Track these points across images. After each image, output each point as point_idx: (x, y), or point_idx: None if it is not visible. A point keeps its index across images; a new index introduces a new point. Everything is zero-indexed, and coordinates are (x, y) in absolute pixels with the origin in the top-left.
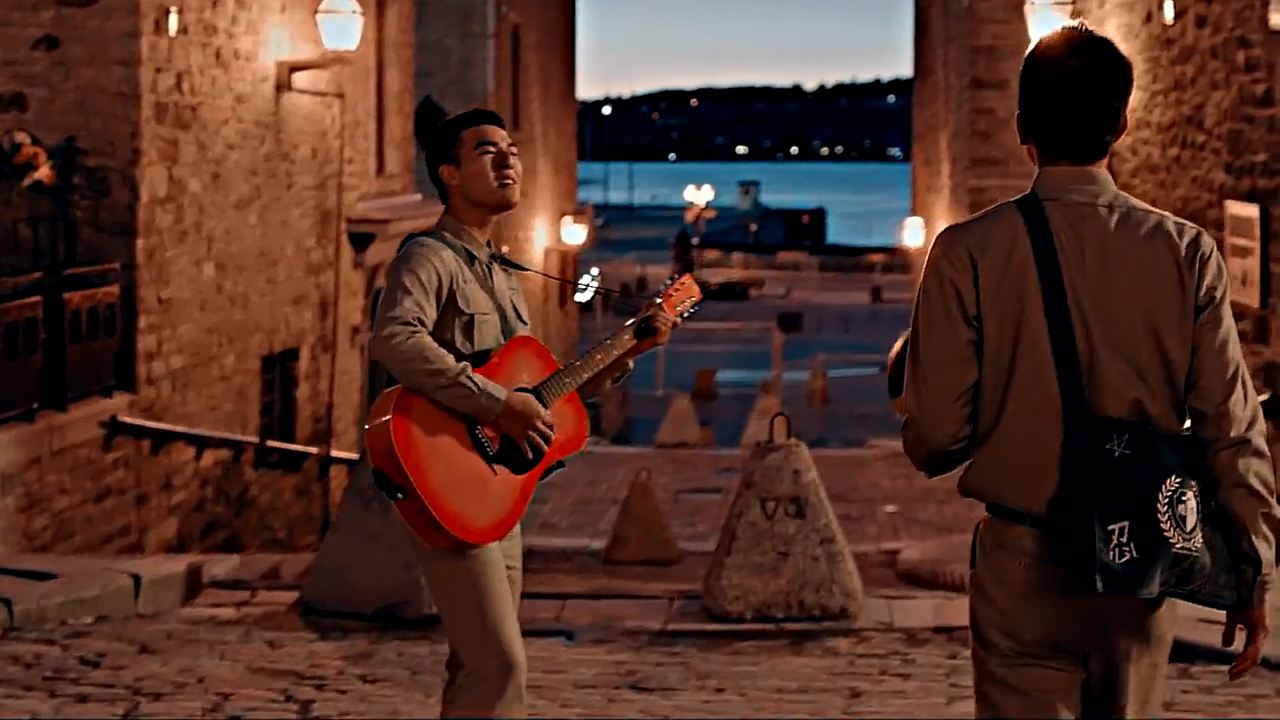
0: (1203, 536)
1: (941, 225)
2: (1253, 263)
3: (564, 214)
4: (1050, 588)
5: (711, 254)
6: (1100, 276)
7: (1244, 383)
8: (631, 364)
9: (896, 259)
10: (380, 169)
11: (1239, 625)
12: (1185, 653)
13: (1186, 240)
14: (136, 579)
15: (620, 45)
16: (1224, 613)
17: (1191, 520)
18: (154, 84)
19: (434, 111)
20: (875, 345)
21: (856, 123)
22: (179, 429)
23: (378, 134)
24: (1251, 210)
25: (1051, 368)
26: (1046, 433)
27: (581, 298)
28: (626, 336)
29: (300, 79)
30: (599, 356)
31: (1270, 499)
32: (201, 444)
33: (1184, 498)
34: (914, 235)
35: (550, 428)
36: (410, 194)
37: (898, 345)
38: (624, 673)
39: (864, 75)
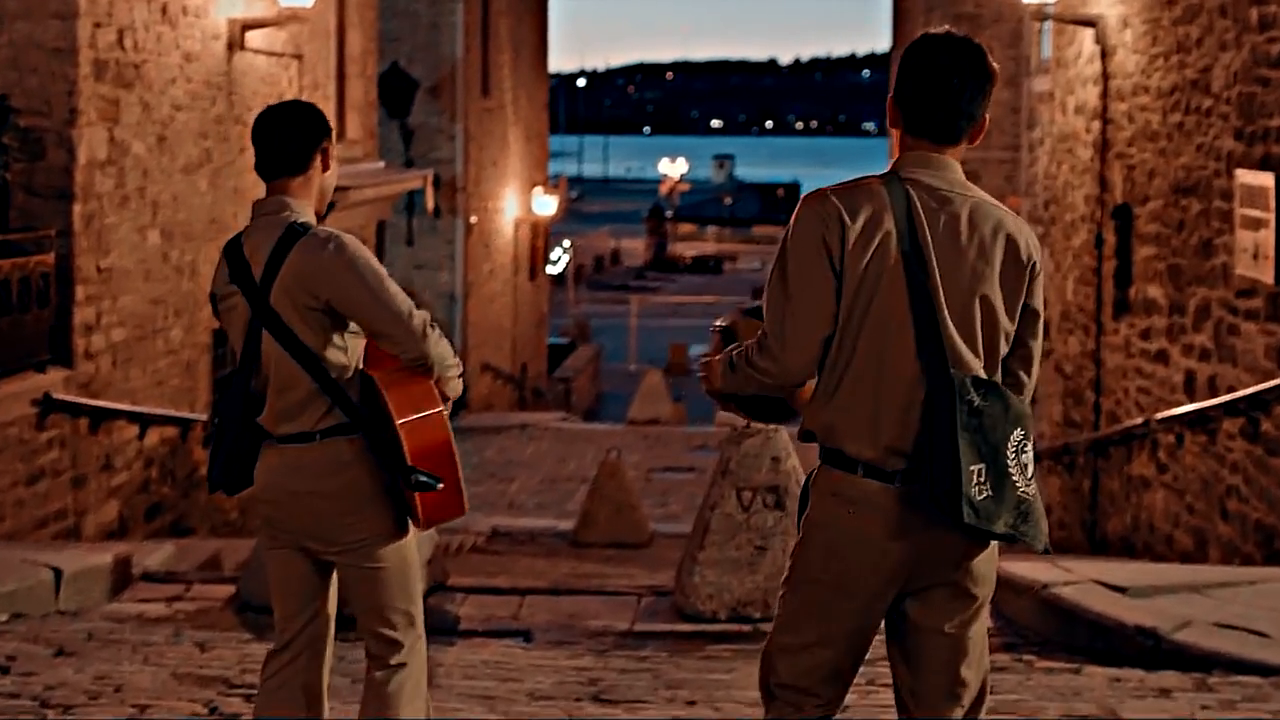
0: (1036, 485)
1: None
2: (1266, 235)
3: (535, 184)
4: (876, 532)
5: (686, 227)
6: (953, 254)
7: (1038, 365)
8: None
9: None
10: (341, 134)
11: None
12: (1201, 662)
13: (1024, 241)
14: (57, 572)
15: (596, 18)
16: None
17: (1031, 469)
18: (93, 39)
19: (401, 78)
20: None
21: (831, 97)
22: (120, 406)
23: (338, 97)
24: (1265, 179)
25: (906, 328)
26: (891, 387)
27: (553, 270)
28: None
29: (254, 38)
30: None
31: None
32: (145, 421)
33: (1026, 448)
34: None
35: None
36: (373, 160)
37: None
38: (586, 681)
39: (839, 50)
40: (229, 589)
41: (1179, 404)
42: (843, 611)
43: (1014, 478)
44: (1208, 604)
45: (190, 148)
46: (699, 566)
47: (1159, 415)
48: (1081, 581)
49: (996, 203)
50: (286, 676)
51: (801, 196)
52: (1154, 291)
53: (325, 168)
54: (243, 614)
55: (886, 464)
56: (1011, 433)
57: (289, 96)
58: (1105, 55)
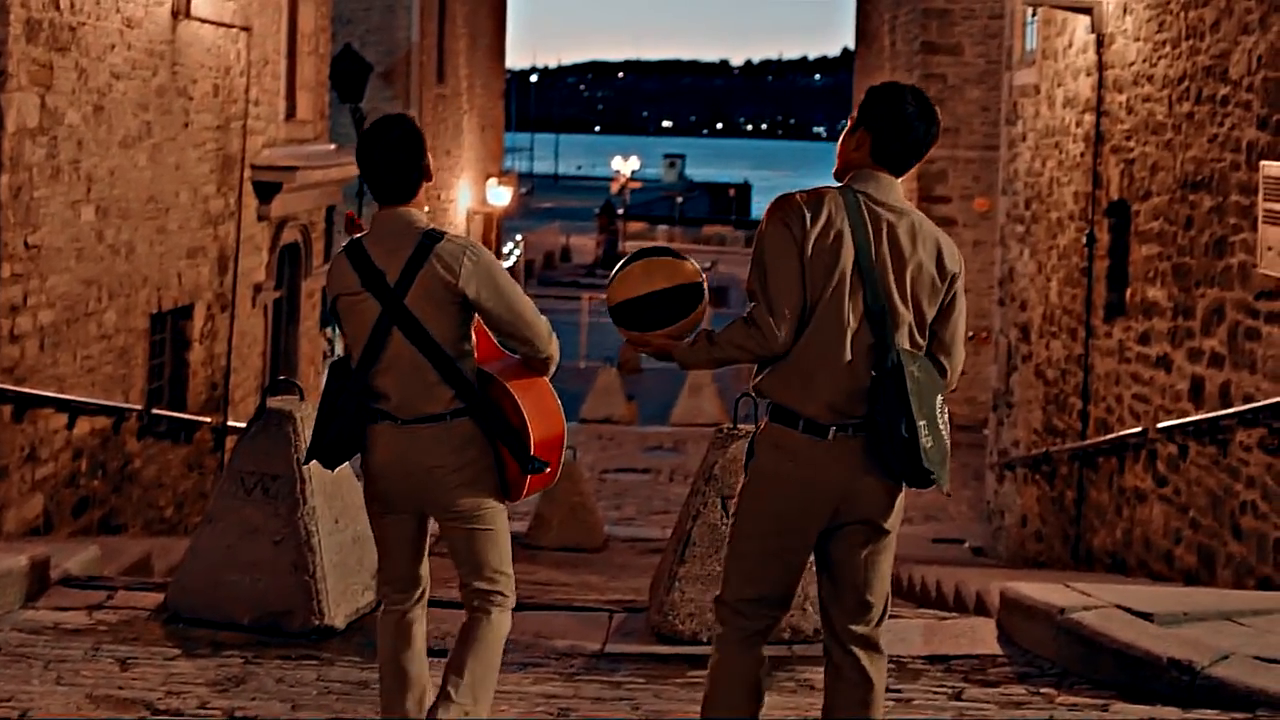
0: None
1: None
2: None
3: (489, 175)
4: (808, 476)
5: (636, 226)
6: (892, 255)
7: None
8: None
9: None
10: (290, 113)
11: None
12: (1243, 700)
13: (948, 252)
14: None
15: (549, 16)
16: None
17: (948, 422)
18: None
19: (354, 60)
20: None
21: (782, 100)
22: (47, 393)
23: (288, 75)
24: None
25: (853, 310)
26: (834, 357)
27: (506, 263)
28: None
29: (200, 6)
30: None
31: None
32: (75, 410)
33: (945, 407)
34: None
35: None
36: (323, 142)
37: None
38: (555, 711)
39: (791, 53)
40: (157, 597)
41: (1182, 412)
42: (783, 543)
43: (943, 430)
44: (1244, 633)
45: (129, 119)
46: (678, 582)
47: (1161, 424)
48: (1103, 606)
49: (926, 219)
50: (413, 615)
51: (772, 200)
52: (1155, 293)
53: (428, 179)
54: (170, 626)
55: (822, 419)
56: (937, 396)
57: (237, 71)
58: (1102, 44)
